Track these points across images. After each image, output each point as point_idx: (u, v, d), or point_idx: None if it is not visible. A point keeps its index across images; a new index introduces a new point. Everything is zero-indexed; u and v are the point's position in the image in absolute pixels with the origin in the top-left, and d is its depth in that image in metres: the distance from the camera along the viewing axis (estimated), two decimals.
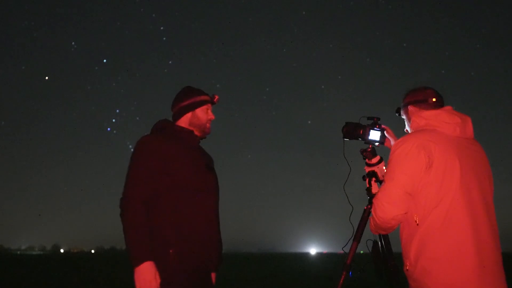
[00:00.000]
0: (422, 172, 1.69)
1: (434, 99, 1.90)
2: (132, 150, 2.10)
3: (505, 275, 1.70)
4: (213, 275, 2.22)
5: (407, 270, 1.74)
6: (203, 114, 2.19)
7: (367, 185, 2.21)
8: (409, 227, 1.75)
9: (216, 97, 2.24)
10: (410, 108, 1.97)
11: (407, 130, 2.05)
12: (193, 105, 2.19)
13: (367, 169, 2.22)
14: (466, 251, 1.62)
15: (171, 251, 1.96)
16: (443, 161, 1.69)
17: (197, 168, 2.11)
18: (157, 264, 1.93)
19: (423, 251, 1.67)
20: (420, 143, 1.72)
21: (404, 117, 2.05)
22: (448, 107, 1.88)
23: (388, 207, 1.74)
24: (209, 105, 2.23)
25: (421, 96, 1.94)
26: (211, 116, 2.22)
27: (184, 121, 2.20)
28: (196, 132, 2.20)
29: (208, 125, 2.21)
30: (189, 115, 2.19)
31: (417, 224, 1.70)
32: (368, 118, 2.22)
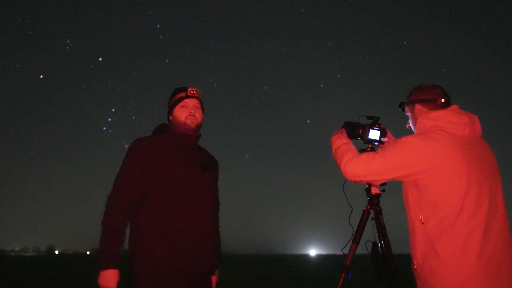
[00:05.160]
0: (416, 172, 1.69)
1: (443, 100, 1.84)
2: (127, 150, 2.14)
3: None
4: (213, 278, 2.20)
5: (415, 269, 1.74)
6: (180, 112, 2.17)
7: (367, 186, 2.19)
8: (416, 226, 1.73)
9: (189, 89, 2.20)
10: (417, 106, 1.89)
11: (409, 126, 1.99)
12: (171, 107, 2.21)
13: None
14: (472, 252, 1.60)
15: (158, 251, 1.96)
16: (450, 162, 1.67)
17: (190, 169, 2.10)
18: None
19: (430, 251, 1.66)
20: (426, 144, 1.69)
21: (408, 114, 1.98)
22: (454, 106, 1.83)
23: (362, 165, 1.77)
24: (185, 100, 2.18)
25: (430, 95, 1.86)
26: (189, 110, 2.17)
27: (172, 124, 2.21)
28: (182, 131, 2.16)
29: (188, 121, 2.15)
30: (171, 117, 2.22)
31: (423, 223, 1.69)
32: (368, 117, 2.20)
